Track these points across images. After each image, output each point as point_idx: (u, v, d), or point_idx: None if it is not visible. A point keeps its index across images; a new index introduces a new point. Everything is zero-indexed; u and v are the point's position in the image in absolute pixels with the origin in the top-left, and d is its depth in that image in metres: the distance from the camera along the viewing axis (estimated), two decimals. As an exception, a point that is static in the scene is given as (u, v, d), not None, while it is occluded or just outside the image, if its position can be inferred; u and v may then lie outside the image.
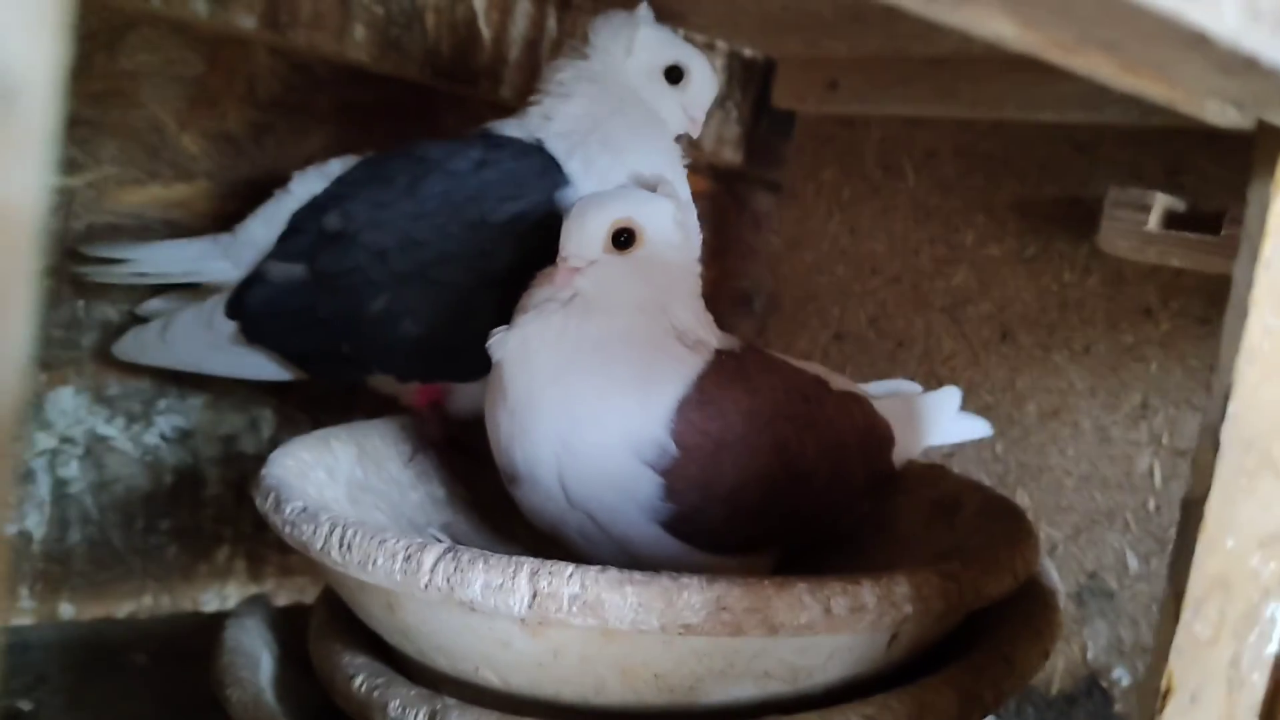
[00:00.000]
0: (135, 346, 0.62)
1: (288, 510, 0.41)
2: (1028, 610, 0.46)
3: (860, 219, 0.77)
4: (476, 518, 0.58)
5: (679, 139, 0.62)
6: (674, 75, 0.60)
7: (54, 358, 0.64)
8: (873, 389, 0.58)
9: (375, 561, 0.38)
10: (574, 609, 0.35)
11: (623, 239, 0.47)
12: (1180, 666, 0.25)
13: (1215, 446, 0.24)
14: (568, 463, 0.45)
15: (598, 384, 0.45)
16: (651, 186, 0.51)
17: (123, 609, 0.67)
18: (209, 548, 0.71)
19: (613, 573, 0.36)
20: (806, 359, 0.58)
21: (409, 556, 0.37)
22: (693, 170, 0.65)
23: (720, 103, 0.85)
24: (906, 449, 0.55)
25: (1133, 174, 0.62)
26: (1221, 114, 0.23)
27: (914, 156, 0.74)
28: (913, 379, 0.72)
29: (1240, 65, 0.20)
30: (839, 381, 0.53)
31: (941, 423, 0.58)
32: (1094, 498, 0.63)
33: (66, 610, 0.66)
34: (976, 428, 0.61)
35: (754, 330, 0.88)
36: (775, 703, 0.39)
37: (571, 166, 0.56)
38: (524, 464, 0.46)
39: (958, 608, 0.40)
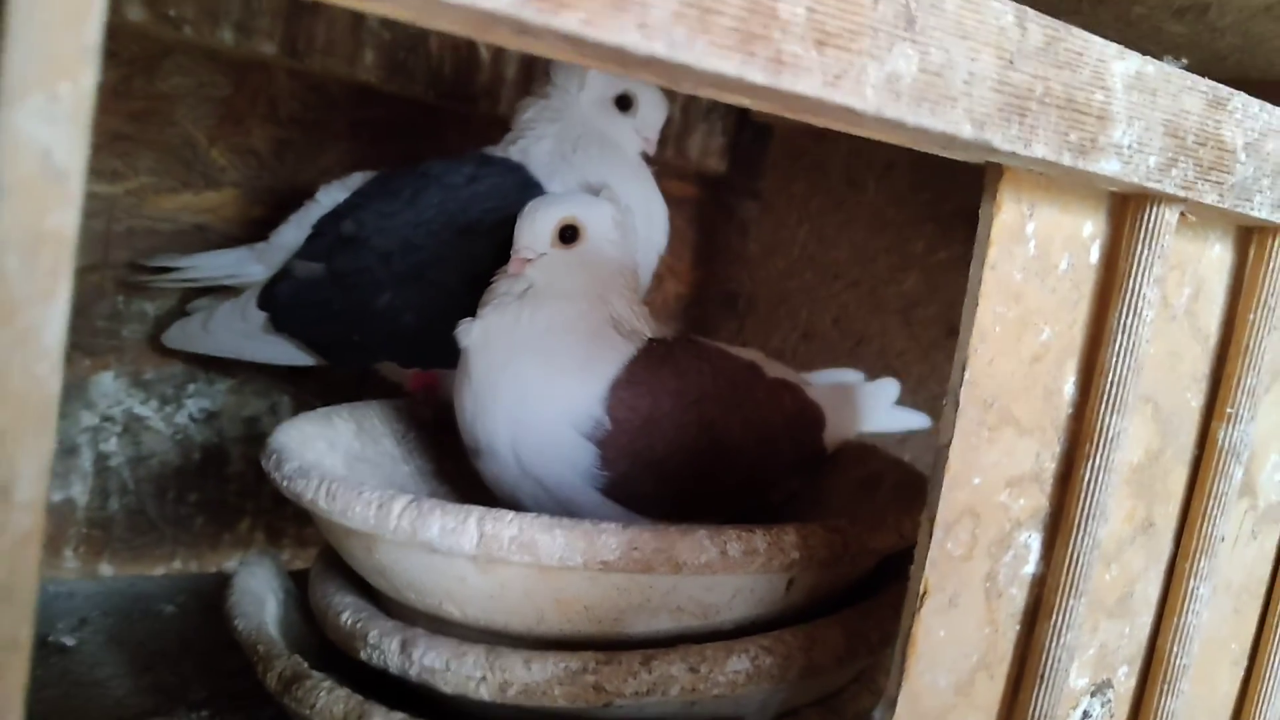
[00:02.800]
0: (181, 336, 0.71)
1: (286, 468, 0.50)
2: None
3: (826, 228, 0.85)
4: (462, 488, 0.66)
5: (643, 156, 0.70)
6: (624, 104, 0.68)
7: (97, 346, 0.73)
8: (816, 377, 0.65)
9: (354, 509, 0.46)
10: (513, 548, 0.43)
11: (568, 234, 0.55)
12: (935, 575, 0.32)
13: (956, 405, 0.31)
14: (520, 436, 0.53)
15: (544, 367, 0.53)
16: (596, 191, 0.59)
17: (156, 570, 0.76)
18: (232, 519, 0.80)
19: (545, 518, 0.44)
20: (778, 356, 0.65)
21: (381, 505, 0.45)
22: (679, 177, 0.73)
23: (705, 115, 0.93)
24: (839, 431, 0.62)
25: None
26: (965, 152, 0.30)
27: (875, 169, 0.82)
28: (869, 374, 0.80)
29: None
30: (774, 369, 0.60)
31: (877, 410, 0.66)
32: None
33: (106, 570, 0.74)
34: (914, 420, 0.68)
35: (735, 329, 0.96)
36: (690, 635, 0.47)
37: (552, 187, 0.65)
38: (484, 438, 0.54)
39: (842, 557, 0.47)
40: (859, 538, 0.48)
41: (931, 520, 0.32)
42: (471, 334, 0.55)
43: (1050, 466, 0.34)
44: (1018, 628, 0.35)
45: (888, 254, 0.80)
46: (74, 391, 0.73)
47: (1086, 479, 0.33)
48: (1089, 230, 0.33)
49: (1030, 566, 0.34)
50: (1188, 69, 0.32)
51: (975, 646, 0.34)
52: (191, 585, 0.74)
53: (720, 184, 0.96)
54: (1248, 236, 0.38)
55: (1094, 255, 0.33)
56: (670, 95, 0.73)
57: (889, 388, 0.67)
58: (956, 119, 0.25)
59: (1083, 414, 0.34)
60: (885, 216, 0.80)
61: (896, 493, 0.57)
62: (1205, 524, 0.38)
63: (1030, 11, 0.26)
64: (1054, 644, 0.34)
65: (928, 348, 0.76)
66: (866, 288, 0.81)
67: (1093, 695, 0.37)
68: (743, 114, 0.94)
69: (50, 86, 0.18)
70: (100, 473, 0.74)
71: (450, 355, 0.65)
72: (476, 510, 0.44)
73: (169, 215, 0.74)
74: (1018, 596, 0.34)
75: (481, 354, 0.54)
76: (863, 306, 0.81)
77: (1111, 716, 0.38)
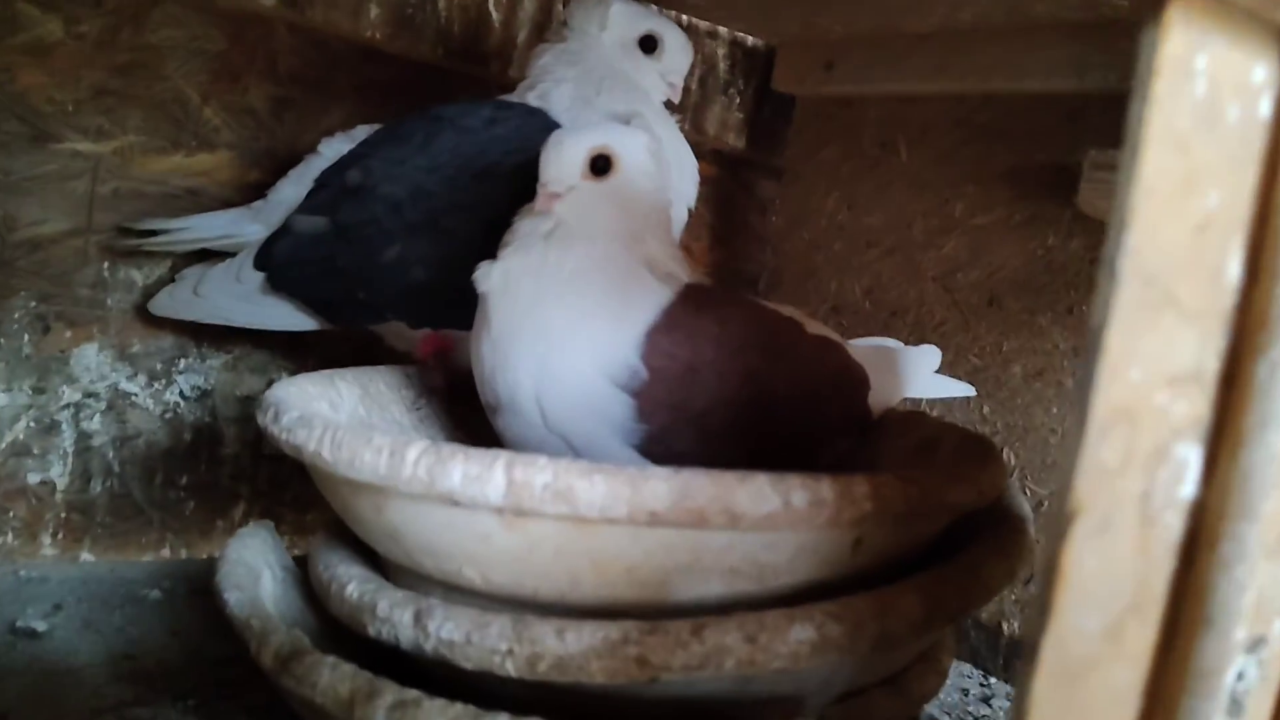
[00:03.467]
0: (170, 303, 0.65)
1: (285, 419, 0.43)
2: (997, 533, 0.47)
3: (857, 195, 0.79)
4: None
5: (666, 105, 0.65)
6: (648, 45, 0.64)
7: (80, 316, 0.67)
8: (854, 343, 0.59)
9: (363, 458, 0.39)
10: (546, 496, 0.37)
11: (600, 165, 0.49)
12: (1087, 490, 0.26)
13: (1113, 276, 0.25)
14: (546, 388, 0.47)
15: (573, 311, 0.47)
16: (626, 121, 0.53)
17: (142, 559, 0.70)
18: (226, 504, 0.73)
19: (583, 463, 0.38)
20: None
21: (394, 452, 0.39)
22: (695, 155, 0.68)
23: (724, 90, 0.87)
24: (883, 396, 0.57)
25: (1116, 139, 0.63)
26: None
27: (909, 132, 0.76)
28: (906, 344, 0.74)
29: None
30: (815, 326, 0.54)
31: (919, 376, 0.60)
32: (1078, 454, 0.64)
33: (87, 558, 0.68)
34: (957, 387, 0.62)
35: (757, 309, 0.90)
36: (744, 601, 0.40)
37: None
38: (505, 392, 0.48)
39: (918, 510, 0.41)
40: (936, 489, 0.42)
41: (1083, 422, 0.25)
42: (491, 278, 0.49)
43: (1213, 365, 0.28)
44: (1174, 562, 0.28)
45: (925, 218, 0.74)
46: (55, 365, 0.66)
47: (1259, 378, 0.27)
48: (1260, 76, 0.27)
49: (1188, 487, 0.28)
50: None
51: (1127, 582, 0.27)
52: (179, 570, 0.68)
53: (739, 161, 0.91)
54: None
55: (1264, 108, 0.27)
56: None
57: (931, 354, 0.61)
58: None
59: (1250, 301, 0.28)
60: (922, 179, 0.74)
61: (959, 454, 0.51)
62: None
63: None
64: (1222, 579, 0.27)
65: (969, 316, 0.70)
66: (902, 255, 0.75)
67: (1248, 652, 0.31)
68: (762, 88, 0.89)
69: None
70: (82, 453, 0.68)
71: (464, 314, 0.59)
72: (504, 454, 0.38)
73: (158, 177, 0.68)
74: (1173, 524, 0.28)
75: (503, 299, 0.48)
76: (898, 275, 0.75)
77: (1265, 679, 0.32)
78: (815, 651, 0.39)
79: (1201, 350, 0.27)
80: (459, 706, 0.36)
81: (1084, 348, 0.62)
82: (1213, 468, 0.28)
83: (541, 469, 0.37)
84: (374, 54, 0.74)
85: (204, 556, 0.71)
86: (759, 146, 0.91)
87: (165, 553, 0.70)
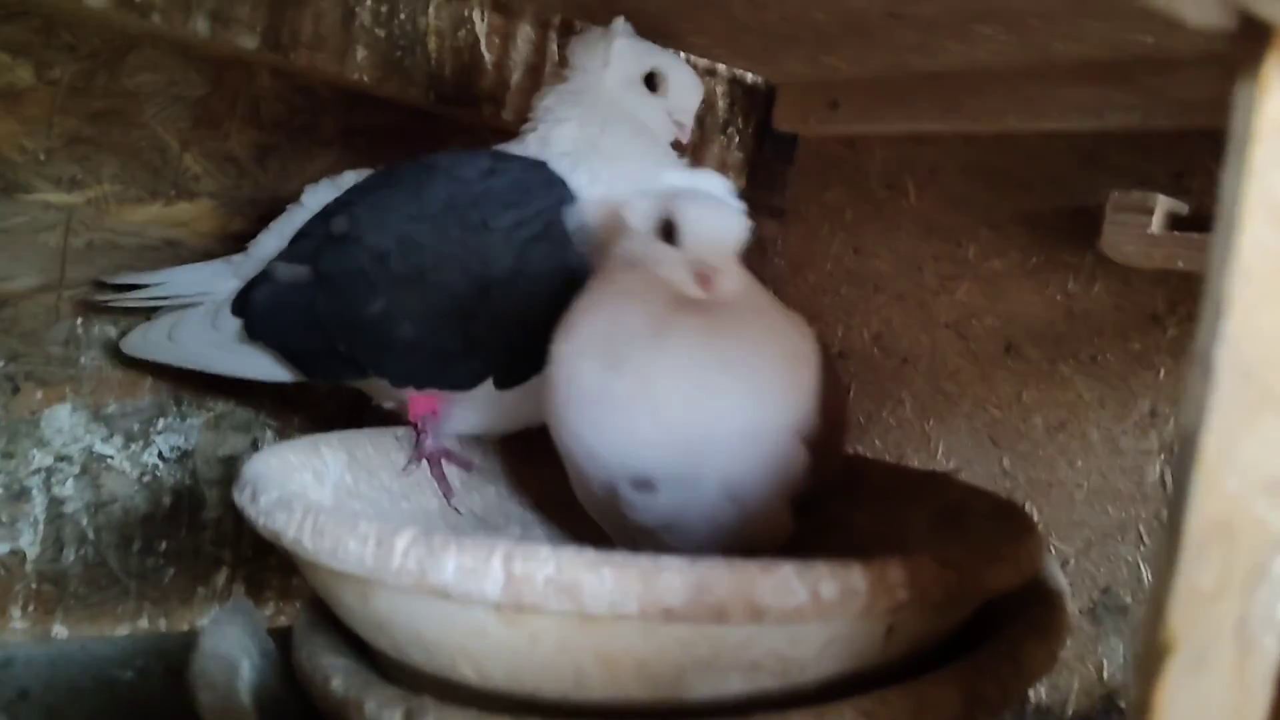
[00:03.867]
0: (143, 343, 0.62)
1: (263, 500, 0.40)
2: (1033, 611, 0.43)
3: (864, 238, 0.76)
4: (468, 531, 0.56)
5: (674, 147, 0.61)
6: (653, 83, 0.60)
7: (52, 375, 0.63)
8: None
9: (347, 546, 0.36)
10: (549, 592, 0.33)
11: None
12: (1182, 621, 0.22)
13: (1208, 373, 0.22)
14: (739, 452, 0.44)
15: (763, 372, 0.45)
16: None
17: (118, 631, 0.65)
18: (208, 570, 0.69)
19: (589, 553, 0.34)
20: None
21: (380, 541, 0.35)
22: None
23: (723, 128, 0.84)
24: None
25: (1137, 180, 0.60)
26: (1199, 10, 0.21)
27: (917, 173, 0.73)
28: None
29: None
30: None
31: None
32: (1106, 510, 0.60)
33: (60, 631, 0.64)
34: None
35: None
36: (767, 699, 0.37)
37: (577, 180, 0.55)
38: (674, 462, 0.44)
39: (957, 597, 0.37)
40: (974, 574, 0.38)
41: (1176, 543, 0.22)
42: (635, 339, 0.44)
43: None
44: (1271, 691, 0.25)
45: (936, 262, 0.71)
46: (25, 428, 0.62)
47: None
48: None
49: None
50: None
51: (1224, 713, 0.24)
52: (155, 647, 0.64)
53: (740, 201, 0.87)
54: None
55: None
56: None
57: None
58: None
59: None
60: (932, 222, 0.71)
61: (991, 523, 0.48)
62: None
63: None
64: None
65: (985, 365, 0.67)
66: (913, 300, 0.71)
67: None
68: (762, 126, 0.85)
69: None
70: (54, 520, 0.64)
71: (452, 373, 0.55)
72: (501, 544, 0.34)
73: (135, 228, 0.65)
74: (1271, 648, 0.24)
75: (667, 361, 0.44)
76: (909, 321, 0.72)
77: None
78: (848, 758, 0.35)
79: None
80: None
81: (1110, 398, 0.58)
82: None
83: (544, 561, 0.34)
84: (361, 98, 0.71)
85: (184, 628, 0.67)
86: (760, 186, 0.87)
87: (143, 623, 0.66)
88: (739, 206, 0.48)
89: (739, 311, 0.46)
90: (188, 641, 0.47)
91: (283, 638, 0.49)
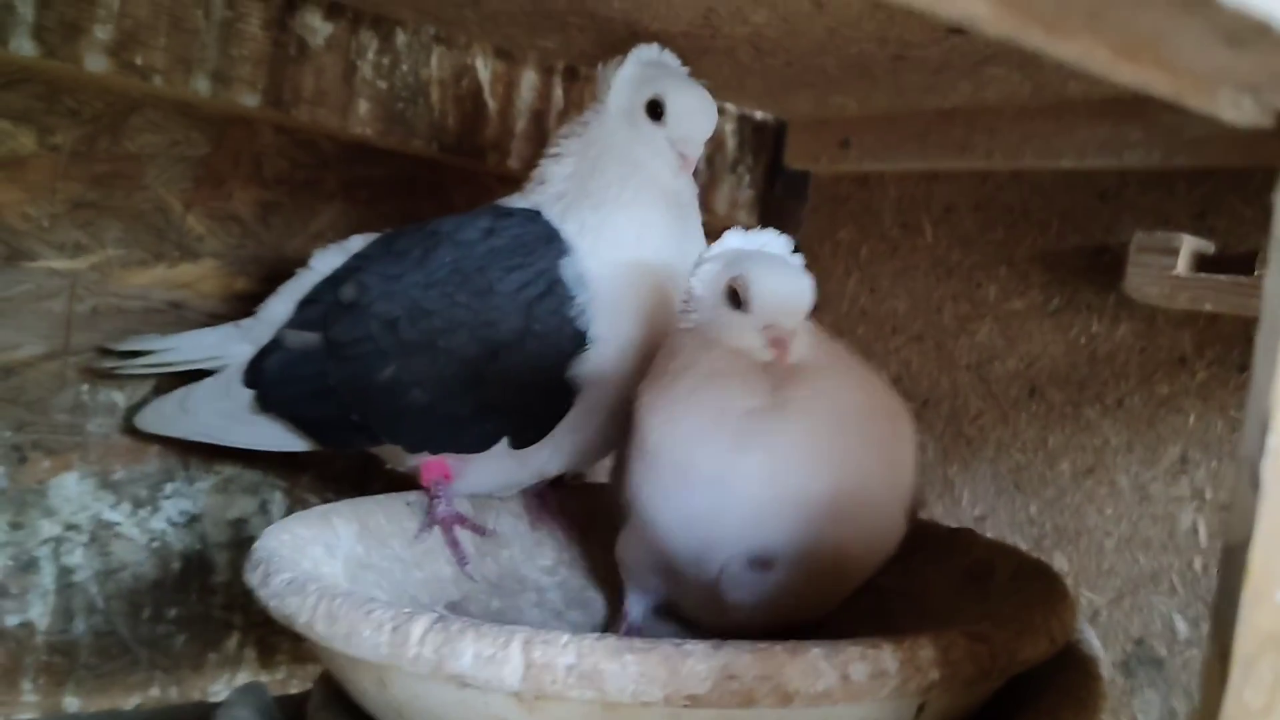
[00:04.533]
0: (156, 418, 0.62)
1: (275, 583, 0.40)
2: (1068, 680, 0.43)
3: (879, 278, 0.76)
4: (483, 598, 0.56)
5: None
6: (656, 111, 0.56)
7: (58, 443, 0.63)
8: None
9: (361, 633, 0.36)
10: (571, 680, 0.33)
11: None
12: None
13: (1256, 485, 0.21)
14: (858, 525, 0.44)
15: (877, 439, 0.45)
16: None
17: (129, 701, 0.65)
18: (218, 636, 0.69)
19: (610, 640, 0.34)
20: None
21: (396, 627, 0.35)
22: (705, 234, 0.64)
23: (733, 167, 0.84)
24: None
25: (1159, 219, 0.60)
26: (1236, 107, 0.21)
27: (932, 212, 0.73)
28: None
29: (1249, 32, 0.18)
30: None
31: None
32: (1136, 559, 0.60)
33: (71, 703, 0.64)
34: None
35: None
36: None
37: (567, 231, 0.55)
38: (794, 539, 0.43)
39: (989, 673, 0.37)
40: (1007, 648, 0.37)
41: (1225, 659, 0.21)
42: (755, 420, 0.44)
43: None
44: None
45: (955, 303, 0.70)
46: (32, 497, 0.63)
47: None
48: None
49: None
50: None
51: None
52: (167, 717, 0.63)
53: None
54: None
55: None
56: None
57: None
58: None
59: None
60: (949, 262, 0.71)
61: (1017, 584, 0.47)
62: None
63: None
64: None
65: (1008, 409, 0.67)
66: (932, 342, 0.71)
67: None
68: (773, 164, 0.86)
69: None
70: (64, 590, 0.64)
71: (464, 437, 0.55)
72: (521, 631, 0.34)
73: (139, 292, 0.65)
74: None
75: (783, 437, 0.43)
76: (929, 363, 0.71)
77: None
78: None
79: None
80: None
81: (1137, 443, 0.58)
82: None
83: (564, 648, 0.34)
84: (364, 151, 0.71)
85: (196, 695, 0.67)
86: (770, 224, 0.87)
87: (155, 692, 0.66)
88: (801, 266, 0.47)
89: (838, 376, 0.46)
90: (200, 713, 0.47)
91: (294, 705, 0.49)
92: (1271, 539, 0.21)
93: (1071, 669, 0.43)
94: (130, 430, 0.64)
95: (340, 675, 0.42)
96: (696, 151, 0.56)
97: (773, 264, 0.47)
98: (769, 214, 0.86)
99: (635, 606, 0.54)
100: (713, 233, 0.79)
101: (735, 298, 0.45)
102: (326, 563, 0.47)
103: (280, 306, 0.60)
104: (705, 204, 0.83)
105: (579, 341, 0.53)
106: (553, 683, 0.33)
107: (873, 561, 0.46)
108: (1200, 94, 0.21)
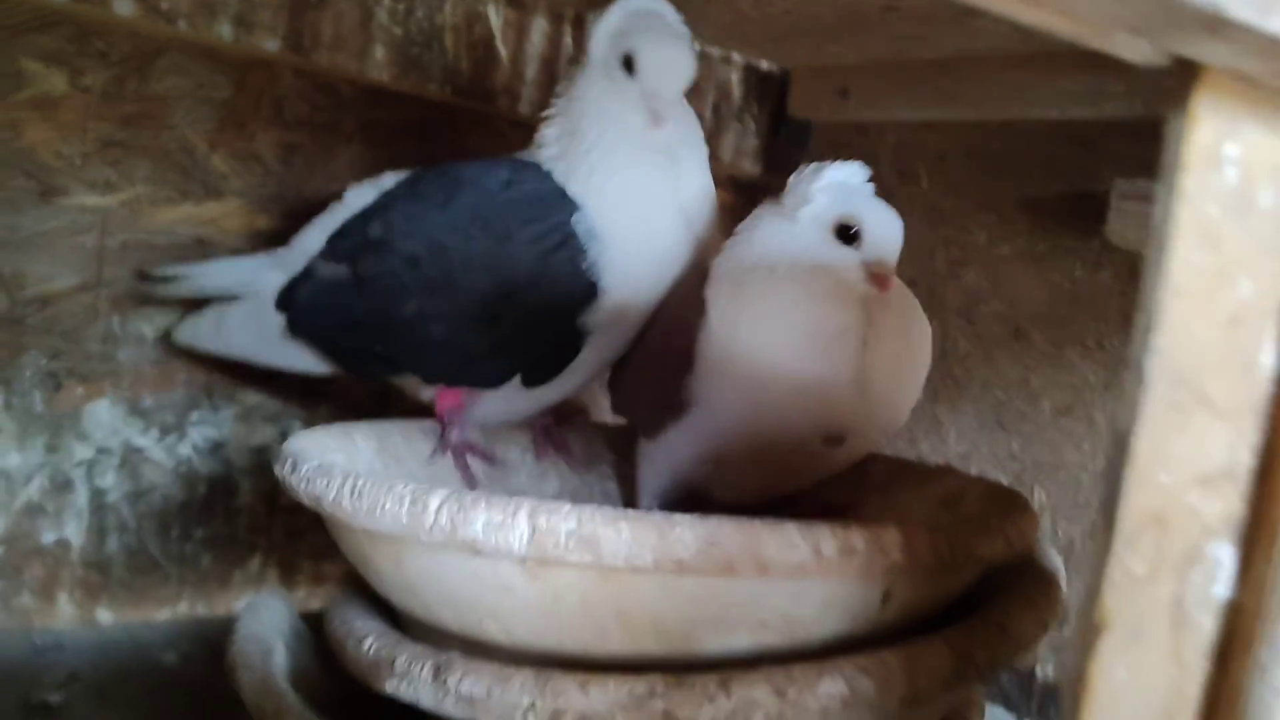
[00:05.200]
0: (192, 332, 0.67)
1: (304, 469, 0.45)
2: (1025, 587, 0.47)
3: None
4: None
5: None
6: (628, 65, 0.58)
7: (91, 371, 0.68)
8: None
9: (384, 506, 0.40)
10: (570, 544, 0.38)
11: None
12: (1115, 602, 0.26)
13: (1141, 380, 0.26)
14: (900, 416, 0.55)
15: (923, 357, 0.56)
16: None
17: (160, 614, 0.71)
18: (242, 556, 0.74)
19: (608, 510, 0.38)
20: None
21: (415, 499, 0.40)
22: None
23: (738, 115, 0.89)
24: None
25: (1139, 167, 0.64)
26: (1133, 48, 0.26)
27: (926, 160, 0.77)
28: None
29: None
30: None
31: None
32: (1110, 488, 0.65)
33: (105, 616, 0.69)
34: None
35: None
36: (771, 655, 0.41)
37: (573, 190, 0.58)
38: (862, 423, 0.54)
39: (947, 564, 0.42)
40: (965, 542, 0.42)
41: (1110, 529, 0.26)
42: (848, 338, 0.52)
43: (1245, 460, 0.28)
44: (1207, 665, 0.29)
45: (946, 248, 0.75)
46: (67, 422, 0.68)
47: None
48: None
49: (1222, 587, 0.29)
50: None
51: (1159, 691, 0.28)
52: (196, 631, 0.69)
53: (755, 188, 0.92)
54: None
55: None
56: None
57: None
58: None
59: None
60: (942, 209, 0.75)
61: (985, 505, 0.52)
62: None
63: None
64: (1259, 685, 0.28)
65: (992, 349, 0.71)
66: (923, 285, 0.76)
67: None
68: (777, 113, 0.90)
69: None
70: (97, 510, 0.69)
71: (478, 372, 0.60)
72: (528, 502, 0.39)
73: (166, 228, 0.70)
74: (1207, 626, 0.29)
75: (870, 356, 0.52)
76: (920, 305, 0.76)
77: None
78: (845, 706, 0.39)
79: (1235, 447, 0.28)
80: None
81: (1116, 383, 0.63)
82: (1248, 566, 0.29)
83: (566, 516, 0.38)
84: (381, 95, 0.76)
85: (222, 611, 0.72)
86: (775, 173, 0.92)
87: (183, 607, 0.72)
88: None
89: (905, 306, 0.56)
90: (226, 625, 0.52)
91: (315, 621, 0.54)
92: (1155, 428, 0.26)
93: (1030, 578, 0.48)
94: (158, 359, 0.70)
95: (358, 558, 0.47)
96: (666, 106, 0.58)
97: (880, 208, 0.54)
98: (773, 162, 0.91)
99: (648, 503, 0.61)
100: (719, 182, 0.83)
101: (846, 234, 0.53)
102: (349, 466, 0.53)
103: (313, 237, 0.64)
104: (711, 152, 0.88)
105: (591, 292, 0.57)
106: (554, 547, 0.38)
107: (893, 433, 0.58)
108: (1099, 37, 0.26)
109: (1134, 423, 0.26)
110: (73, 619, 0.68)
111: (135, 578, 0.70)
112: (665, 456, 0.59)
